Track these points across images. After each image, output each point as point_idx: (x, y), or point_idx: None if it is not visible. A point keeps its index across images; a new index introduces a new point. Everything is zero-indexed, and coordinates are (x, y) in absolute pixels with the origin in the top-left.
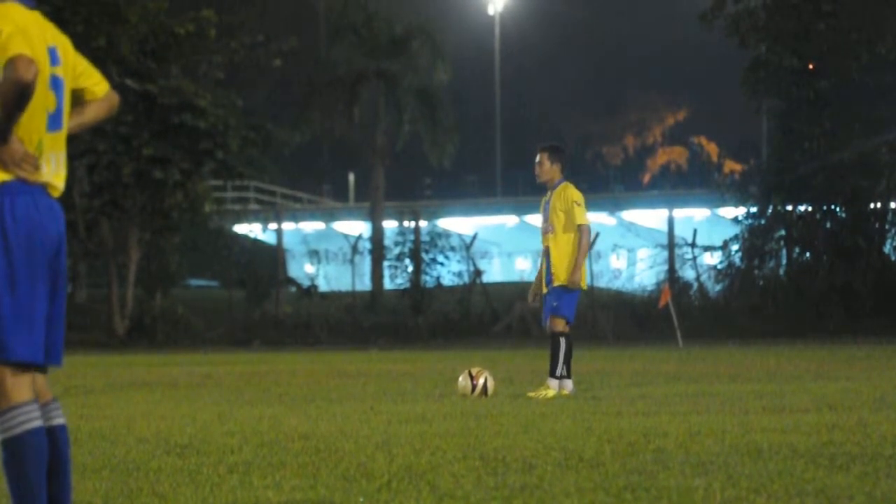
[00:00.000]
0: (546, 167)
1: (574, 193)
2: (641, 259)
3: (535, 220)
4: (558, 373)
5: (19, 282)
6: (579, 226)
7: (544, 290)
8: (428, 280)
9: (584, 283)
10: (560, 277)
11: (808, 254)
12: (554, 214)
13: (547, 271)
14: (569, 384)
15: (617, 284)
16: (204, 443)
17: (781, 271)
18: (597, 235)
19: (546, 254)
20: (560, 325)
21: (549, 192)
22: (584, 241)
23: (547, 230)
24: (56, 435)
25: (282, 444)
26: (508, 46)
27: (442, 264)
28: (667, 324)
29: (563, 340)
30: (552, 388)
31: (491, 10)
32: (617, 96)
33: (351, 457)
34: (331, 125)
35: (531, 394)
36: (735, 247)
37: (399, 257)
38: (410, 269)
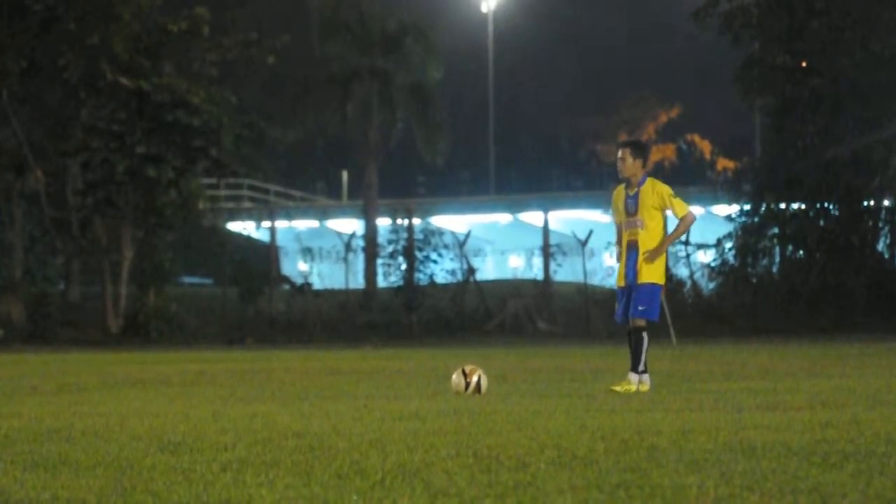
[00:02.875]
0: (629, 163)
1: (665, 188)
2: None
3: (528, 217)
4: (640, 367)
5: None
6: (685, 215)
7: (621, 284)
8: (421, 278)
9: (664, 276)
10: (644, 276)
11: (801, 252)
12: (646, 210)
13: (631, 267)
14: (648, 378)
15: (610, 282)
16: (197, 440)
17: (775, 269)
18: (590, 233)
19: (632, 248)
20: (643, 322)
21: (633, 188)
22: (682, 229)
23: (635, 225)
24: None
25: (275, 441)
26: (501, 44)
27: (435, 262)
28: (660, 321)
29: (645, 336)
30: (633, 382)
31: (484, 8)
32: (610, 94)
33: (344, 454)
34: (324, 123)
35: (616, 388)
36: (728, 245)
37: (392, 255)
38: (404, 266)
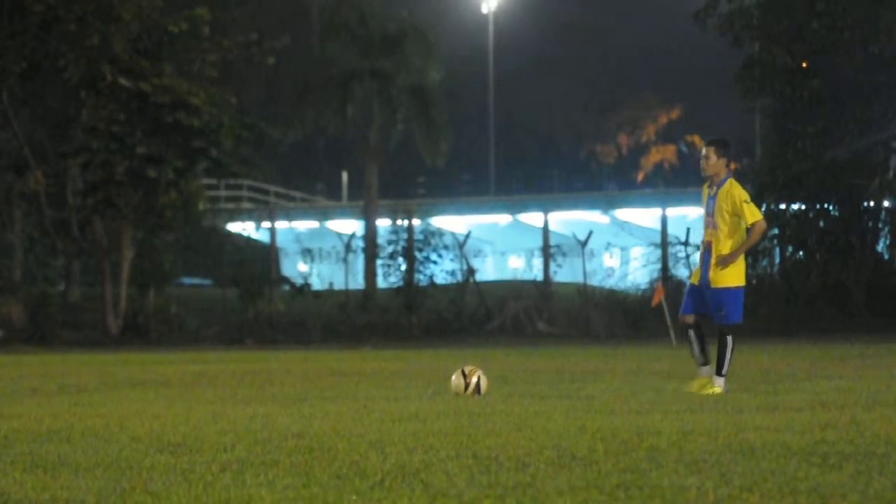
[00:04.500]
0: (713, 161)
1: (741, 193)
2: (635, 257)
3: (528, 218)
4: (725, 371)
5: None
6: (752, 224)
7: (694, 282)
8: (421, 279)
9: (743, 277)
10: (718, 280)
11: (801, 252)
12: (720, 215)
13: (706, 268)
14: (723, 382)
15: (610, 283)
16: (197, 441)
17: (775, 270)
18: (590, 234)
19: (707, 249)
20: (729, 327)
21: (714, 188)
22: (753, 238)
23: (712, 226)
24: None
25: (275, 442)
26: (502, 45)
27: (435, 263)
28: (660, 322)
29: (731, 338)
30: (719, 386)
31: (485, 9)
32: (610, 95)
33: (344, 455)
34: (324, 124)
35: (703, 391)
36: None
37: (392, 256)
38: (404, 267)
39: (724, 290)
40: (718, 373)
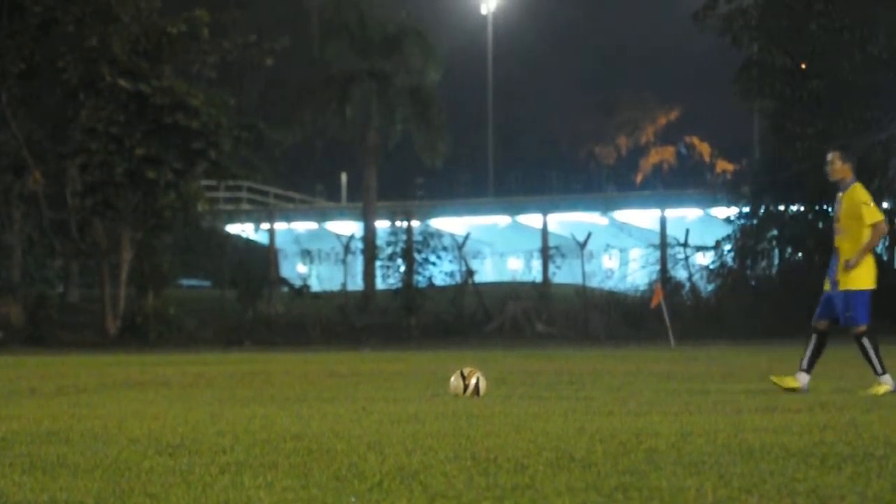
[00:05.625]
0: (837, 166)
1: (862, 195)
2: (634, 259)
3: (527, 219)
4: (879, 369)
5: None
6: (871, 225)
7: (827, 287)
8: (420, 280)
9: (872, 280)
10: (844, 283)
11: (800, 253)
12: (845, 217)
13: (832, 272)
14: (888, 379)
15: (609, 284)
16: (196, 443)
17: (773, 271)
18: (589, 235)
19: (836, 253)
20: (861, 328)
21: (840, 193)
22: (873, 239)
23: (838, 231)
24: None
25: (273, 444)
26: (501, 46)
27: (434, 264)
28: (659, 323)
29: (866, 340)
30: (885, 383)
31: (484, 10)
32: (610, 96)
33: (343, 457)
34: (323, 125)
35: (868, 391)
36: (727, 247)
37: (391, 257)
38: (402, 269)
39: (852, 292)
40: (875, 373)
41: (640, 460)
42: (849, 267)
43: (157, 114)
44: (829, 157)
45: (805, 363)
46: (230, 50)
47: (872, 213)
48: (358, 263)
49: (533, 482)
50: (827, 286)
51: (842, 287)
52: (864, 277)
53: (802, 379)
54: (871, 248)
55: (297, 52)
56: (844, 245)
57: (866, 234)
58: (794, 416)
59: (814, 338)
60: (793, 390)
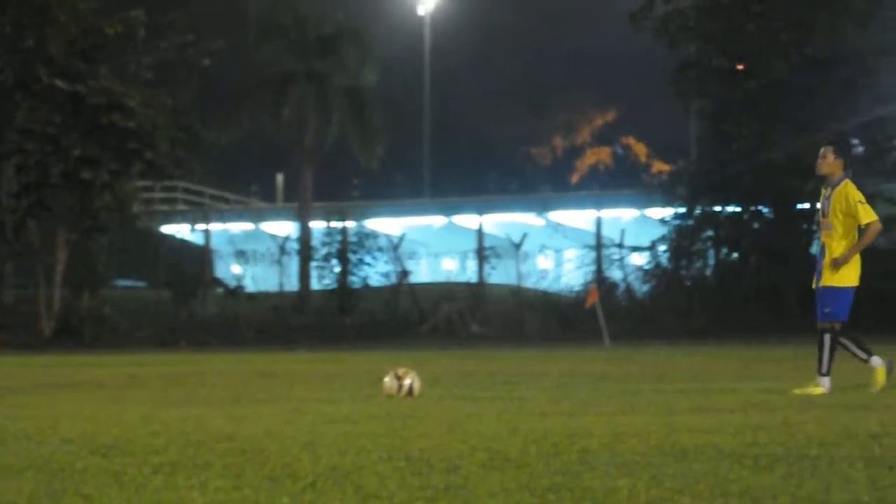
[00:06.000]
0: (829, 160)
1: (855, 193)
2: (569, 259)
3: (463, 220)
4: (825, 370)
5: None
6: (867, 224)
7: (814, 286)
8: (355, 280)
9: (855, 277)
10: (827, 279)
11: (735, 254)
12: (834, 215)
13: (819, 270)
14: (827, 382)
15: (544, 285)
16: (129, 443)
17: (708, 272)
18: (524, 236)
19: (823, 250)
20: (828, 324)
21: (829, 188)
22: (867, 238)
23: (826, 227)
24: None
25: (207, 444)
26: (438, 47)
27: (369, 265)
28: (593, 324)
29: (827, 339)
30: (822, 385)
31: (421, 11)
32: (546, 97)
33: (276, 457)
34: (259, 126)
35: (796, 391)
36: (662, 247)
37: (326, 258)
38: (338, 269)
39: (831, 288)
40: (819, 372)
41: (573, 461)
42: (836, 265)
43: (94, 114)
44: (823, 150)
45: (864, 355)
46: (167, 50)
47: (868, 213)
48: (293, 264)
49: (466, 483)
50: (814, 284)
51: (823, 283)
52: (847, 274)
53: (824, 383)
54: (863, 248)
55: (234, 52)
56: (833, 242)
57: (856, 235)
58: (727, 416)
59: (840, 339)
60: (821, 395)
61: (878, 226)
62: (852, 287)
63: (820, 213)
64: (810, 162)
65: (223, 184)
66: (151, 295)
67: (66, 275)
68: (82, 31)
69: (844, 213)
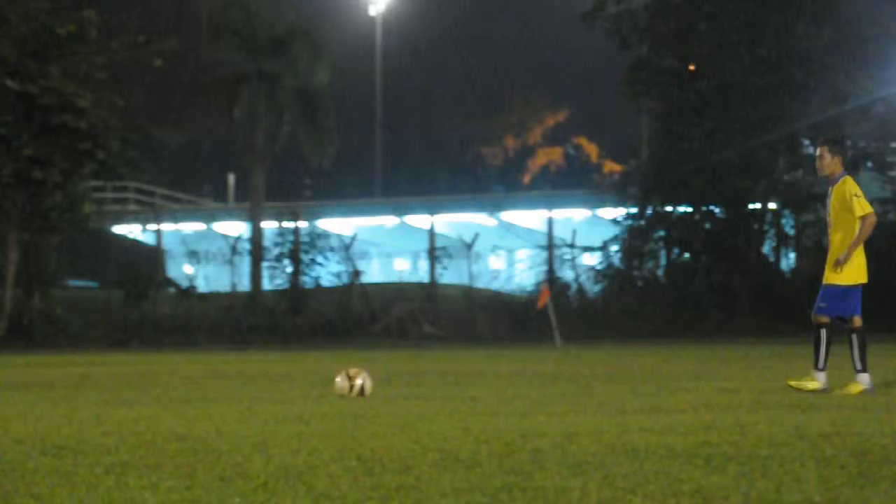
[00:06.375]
0: (827, 160)
1: (851, 187)
2: (520, 260)
3: (414, 220)
4: (821, 365)
5: None
6: (861, 217)
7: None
8: (307, 281)
9: (861, 275)
10: (827, 277)
11: (687, 254)
12: (834, 211)
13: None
14: (823, 378)
15: (496, 285)
16: (81, 443)
17: (660, 272)
18: (476, 236)
19: (829, 248)
20: (821, 318)
21: (830, 188)
22: (863, 231)
23: (830, 225)
24: None
25: (159, 444)
26: (390, 47)
27: (321, 265)
28: (545, 324)
29: (822, 332)
30: (818, 380)
31: (372, 11)
32: (497, 97)
33: (228, 457)
34: (211, 126)
35: (792, 383)
36: (614, 247)
37: (278, 258)
38: (289, 269)
39: (830, 287)
40: (815, 367)
41: (524, 461)
42: (839, 264)
43: (45, 114)
44: (818, 151)
45: (858, 364)
46: (119, 51)
47: (863, 206)
48: (245, 264)
49: (418, 483)
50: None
51: (825, 280)
52: (848, 273)
53: (864, 380)
54: (861, 242)
55: (186, 53)
56: (836, 238)
57: (857, 227)
58: (678, 416)
59: (854, 336)
60: (861, 394)
61: (873, 219)
62: (855, 285)
63: (826, 212)
64: (762, 162)
65: (175, 184)
66: (103, 295)
67: (18, 275)
68: (34, 31)
69: (843, 207)
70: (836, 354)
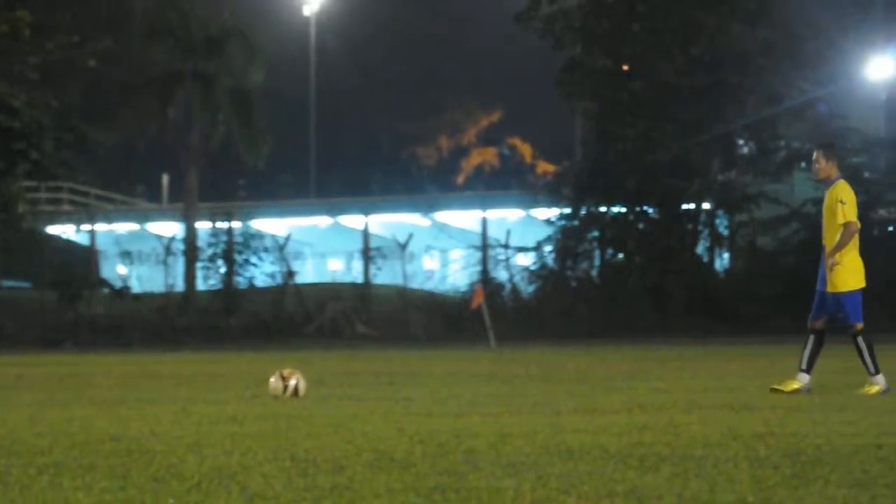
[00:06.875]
0: (822, 164)
1: (841, 191)
2: (454, 260)
3: (348, 220)
4: (873, 370)
5: None
6: (843, 224)
7: (818, 288)
8: (241, 281)
9: (860, 279)
10: (835, 284)
11: (620, 255)
12: (828, 215)
13: (822, 271)
14: (881, 379)
15: (430, 285)
16: (14, 444)
17: (594, 272)
18: (410, 236)
19: (822, 252)
20: (855, 327)
21: (825, 191)
22: (842, 239)
23: (824, 228)
24: None
25: (92, 445)
26: (324, 47)
27: (255, 265)
28: (479, 325)
29: (860, 340)
30: (877, 384)
31: (307, 11)
32: (432, 98)
33: (162, 458)
34: (146, 126)
35: (862, 391)
36: (548, 248)
37: (212, 258)
38: (223, 270)
39: (842, 294)
40: (868, 372)
41: (458, 461)
42: (828, 267)
43: None
44: (815, 155)
45: (805, 363)
46: (52, 51)
47: (846, 213)
48: (179, 265)
49: (352, 483)
50: (818, 285)
51: (830, 289)
52: (851, 278)
53: (803, 379)
54: (842, 248)
55: (121, 53)
56: (827, 242)
57: (841, 232)
58: (612, 416)
59: (811, 337)
60: (795, 391)
61: (854, 226)
62: (856, 290)
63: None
64: (696, 163)
65: (109, 184)
66: (37, 296)
67: None
68: None
69: (832, 211)
70: (840, 356)
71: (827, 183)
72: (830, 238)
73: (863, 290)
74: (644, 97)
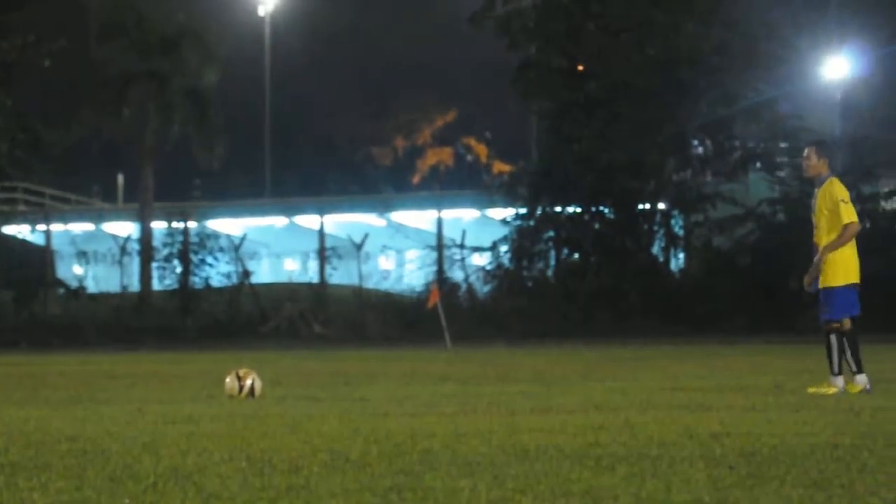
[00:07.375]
0: (813, 161)
1: (839, 191)
2: (410, 260)
3: (304, 220)
4: (836, 370)
5: None
6: (845, 225)
7: (807, 284)
8: (196, 281)
9: (853, 274)
10: (821, 280)
11: (576, 255)
12: (820, 213)
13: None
14: (863, 378)
15: (386, 285)
16: None
17: (550, 272)
18: (366, 236)
19: (815, 250)
20: (833, 324)
21: (816, 189)
22: (843, 238)
23: (816, 226)
24: None
25: (48, 445)
26: (279, 47)
27: (211, 265)
28: (435, 325)
29: (832, 338)
30: (836, 385)
31: (261, 11)
32: (387, 98)
33: (117, 458)
34: (100, 126)
35: (811, 389)
36: (504, 248)
37: (168, 258)
38: (179, 270)
39: (831, 288)
40: (831, 372)
41: (414, 461)
42: (822, 266)
43: None
44: (806, 152)
45: (854, 365)
46: (7, 51)
47: (849, 213)
48: (134, 265)
49: (308, 483)
50: (808, 281)
51: (821, 283)
52: (840, 273)
53: (861, 380)
54: (838, 248)
55: (76, 52)
56: (822, 241)
57: (841, 231)
58: (568, 416)
59: (844, 340)
60: (859, 392)
61: (856, 227)
62: (848, 285)
63: (812, 213)
64: (651, 163)
65: (64, 184)
66: None
67: None
68: None
69: (829, 209)
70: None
71: (817, 181)
72: (825, 236)
73: (856, 288)
74: (599, 97)
